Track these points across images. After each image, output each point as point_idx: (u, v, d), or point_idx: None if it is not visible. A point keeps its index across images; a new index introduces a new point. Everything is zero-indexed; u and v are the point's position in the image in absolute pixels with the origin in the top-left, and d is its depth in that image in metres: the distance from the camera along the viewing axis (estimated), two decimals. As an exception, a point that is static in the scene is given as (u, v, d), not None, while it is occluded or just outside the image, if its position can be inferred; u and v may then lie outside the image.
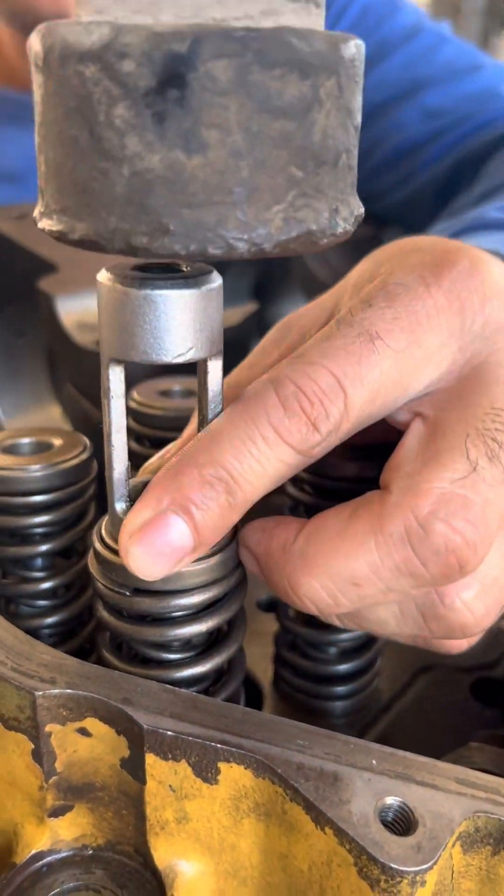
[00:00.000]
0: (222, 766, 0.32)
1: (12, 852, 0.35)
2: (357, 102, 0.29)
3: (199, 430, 0.35)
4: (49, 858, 0.35)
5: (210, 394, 0.34)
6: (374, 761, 0.32)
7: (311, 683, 0.49)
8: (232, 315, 0.75)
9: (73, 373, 0.75)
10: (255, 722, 0.33)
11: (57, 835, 0.36)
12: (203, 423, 0.35)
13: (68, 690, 0.33)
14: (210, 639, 0.40)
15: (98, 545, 0.37)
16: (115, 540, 0.36)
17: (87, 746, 0.34)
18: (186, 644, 0.39)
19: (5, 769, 0.35)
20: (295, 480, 0.45)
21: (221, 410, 0.35)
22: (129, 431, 0.50)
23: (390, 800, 0.30)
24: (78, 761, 0.34)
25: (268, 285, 0.99)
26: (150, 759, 0.32)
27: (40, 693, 0.33)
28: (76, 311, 0.70)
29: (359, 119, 0.30)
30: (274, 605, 0.51)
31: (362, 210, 0.31)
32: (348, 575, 0.32)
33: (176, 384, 0.59)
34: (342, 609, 0.34)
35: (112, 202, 0.27)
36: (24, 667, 0.34)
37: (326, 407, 0.32)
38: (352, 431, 0.34)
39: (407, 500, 0.32)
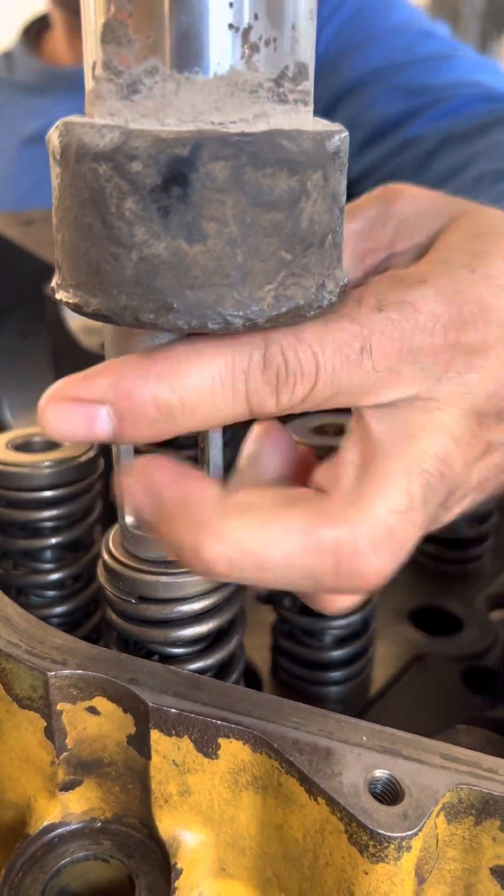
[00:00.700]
0: (222, 741, 0.33)
1: (26, 824, 0.37)
2: (342, 187, 0.31)
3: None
4: (60, 830, 0.37)
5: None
6: (364, 737, 0.33)
7: (307, 670, 0.52)
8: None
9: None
10: (254, 701, 0.35)
11: (67, 808, 0.37)
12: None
13: (78, 671, 0.35)
14: (211, 636, 0.42)
15: (106, 556, 0.40)
16: (123, 552, 0.39)
17: (96, 724, 0.36)
18: (189, 642, 0.41)
19: (20, 746, 0.37)
20: None
21: None
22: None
23: (379, 772, 0.32)
24: (87, 738, 0.36)
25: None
26: (155, 735, 0.34)
27: (52, 673, 0.35)
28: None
29: (343, 201, 0.32)
30: (271, 599, 0.53)
31: (346, 280, 0.33)
32: (260, 557, 0.31)
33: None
34: (232, 580, 0.33)
35: (122, 283, 0.29)
36: (37, 649, 0.36)
37: (296, 387, 0.32)
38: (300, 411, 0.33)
39: (348, 514, 0.32)
